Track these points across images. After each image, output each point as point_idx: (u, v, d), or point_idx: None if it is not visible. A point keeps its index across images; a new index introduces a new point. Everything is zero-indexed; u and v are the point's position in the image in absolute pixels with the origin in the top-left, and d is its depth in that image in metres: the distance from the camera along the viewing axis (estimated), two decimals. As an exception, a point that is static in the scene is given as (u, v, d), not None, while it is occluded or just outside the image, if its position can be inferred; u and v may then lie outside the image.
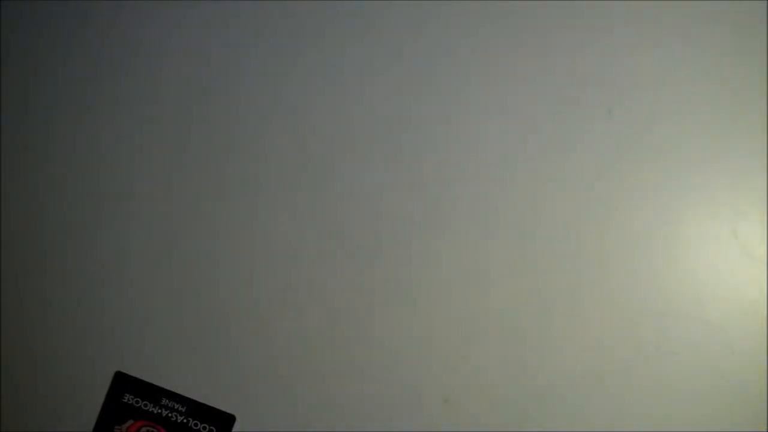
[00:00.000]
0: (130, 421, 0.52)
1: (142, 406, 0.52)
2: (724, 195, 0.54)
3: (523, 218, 0.54)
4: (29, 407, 0.53)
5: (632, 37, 0.55)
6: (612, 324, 0.53)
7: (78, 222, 0.55)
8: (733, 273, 0.53)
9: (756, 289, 0.53)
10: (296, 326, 0.54)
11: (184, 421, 0.52)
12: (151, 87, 0.56)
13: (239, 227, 0.54)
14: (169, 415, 0.52)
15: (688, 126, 0.55)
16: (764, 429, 0.52)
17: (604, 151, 0.54)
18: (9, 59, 0.56)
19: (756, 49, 0.55)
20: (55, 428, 0.53)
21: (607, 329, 0.53)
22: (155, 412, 0.52)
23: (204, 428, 0.53)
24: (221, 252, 0.54)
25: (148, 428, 0.52)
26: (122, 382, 0.53)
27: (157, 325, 0.54)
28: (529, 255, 0.53)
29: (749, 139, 0.54)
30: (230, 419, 0.53)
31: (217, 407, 0.53)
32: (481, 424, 0.53)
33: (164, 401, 0.53)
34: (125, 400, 0.52)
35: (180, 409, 0.53)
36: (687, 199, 0.54)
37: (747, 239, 0.53)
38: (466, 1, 0.55)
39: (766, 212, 0.54)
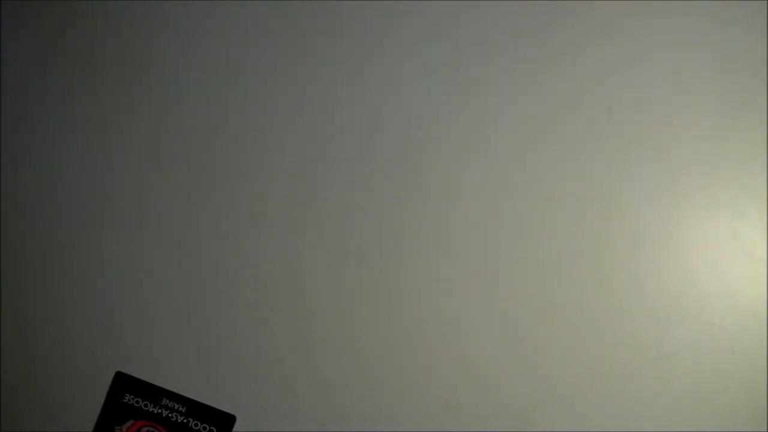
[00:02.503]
0: (131, 421, 0.52)
1: (143, 406, 0.52)
2: (724, 195, 0.54)
3: (523, 219, 0.54)
4: (29, 407, 0.53)
5: (632, 38, 0.55)
6: (613, 324, 0.53)
7: (79, 222, 0.55)
8: (733, 273, 0.53)
9: (756, 289, 0.53)
10: (297, 327, 0.54)
11: (185, 421, 0.52)
12: (152, 87, 0.56)
13: (240, 228, 0.54)
14: (170, 415, 0.52)
15: (688, 126, 0.55)
16: (764, 429, 0.52)
17: (604, 151, 0.54)
18: (9, 59, 0.56)
19: (756, 50, 0.55)
20: (55, 428, 0.53)
21: (607, 329, 0.53)
22: (155, 412, 0.52)
23: (204, 428, 0.52)
24: (222, 253, 0.54)
25: (149, 428, 0.52)
26: (122, 382, 0.53)
27: (158, 325, 0.54)
28: (529, 256, 0.53)
29: (749, 139, 0.55)
30: (230, 419, 0.53)
31: (217, 407, 0.53)
32: (481, 425, 0.53)
33: (164, 401, 0.52)
34: (125, 400, 0.52)
35: (180, 409, 0.52)
36: (687, 200, 0.54)
37: (747, 239, 0.54)
38: (468, 2, 0.55)
39: (766, 212, 0.54)
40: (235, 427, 0.53)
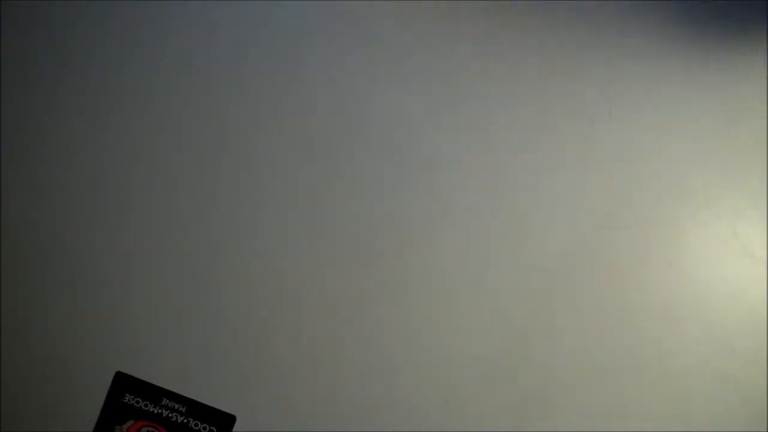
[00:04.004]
0: (131, 421, 0.52)
1: (143, 406, 0.52)
2: (725, 196, 0.54)
3: (523, 218, 0.54)
4: (29, 407, 0.53)
5: (633, 38, 0.55)
6: (612, 324, 0.53)
7: (78, 222, 0.55)
8: (733, 273, 0.53)
9: (756, 289, 0.53)
10: (296, 326, 0.54)
11: (185, 421, 0.52)
12: (150, 87, 0.56)
13: (239, 227, 0.54)
14: (170, 415, 0.52)
15: (689, 127, 0.55)
16: (764, 429, 0.52)
17: (603, 152, 0.54)
18: (9, 59, 0.56)
19: (756, 50, 0.55)
20: (55, 428, 0.53)
21: (607, 329, 0.53)
22: (155, 412, 0.52)
23: (204, 428, 0.52)
24: (221, 252, 0.54)
25: (149, 428, 0.52)
26: (122, 382, 0.53)
27: (158, 325, 0.54)
28: (529, 255, 0.53)
29: (749, 139, 0.55)
30: (230, 419, 0.53)
31: (217, 407, 0.53)
32: (481, 425, 0.53)
33: (164, 401, 0.52)
34: (125, 400, 0.52)
35: (180, 409, 0.52)
36: (687, 200, 0.54)
37: (747, 239, 0.54)
38: (468, 1, 0.55)
39: (766, 212, 0.54)
40: (235, 427, 0.53)
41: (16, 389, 0.54)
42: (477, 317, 0.53)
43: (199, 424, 0.53)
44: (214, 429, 0.53)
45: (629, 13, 0.56)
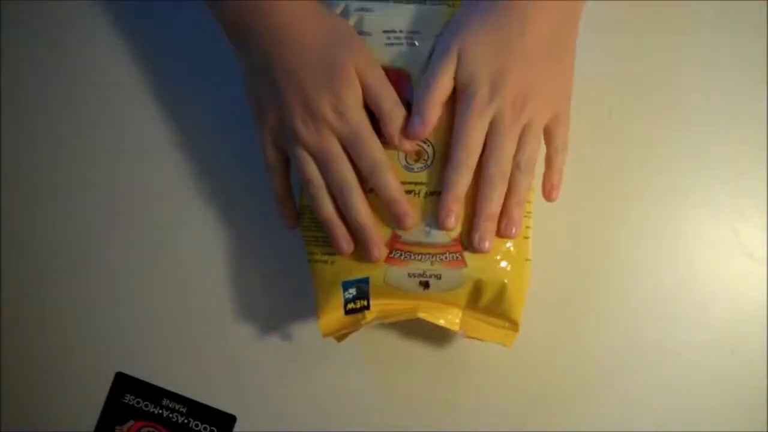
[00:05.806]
0: (131, 422, 0.52)
1: (143, 407, 0.53)
2: (724, 195, 0.54)
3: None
4: (29, 407, 0.53)
5: (632, 38, 0.56)
6: (612, 324, 0.53)
7: (79, 223, 0.55)
8: (733, 273, 0.54)
9: (756, 289, 0.53)
10: (296, 326, 0.54)
11: (185, 421, 0.52)
12: (150, 85, 0.56)
13: (240, 227, 0.54)
14: (170, 415, 0.52)
15: (688, 126, 0.55)
16: (764, 429, 0.52)
17: (603, 152, 0.54)
18: (9, 59, 0.56)
19: (756, 50, 0.55)
20: (55, 428, 0.53)
21: (607, 330, 0.53)
22: (156, 412, 0.52)
23: (204, 428, 0.53)
24: (222, 253, 0.54)
25: (149, 428, 0.52)
26: (123, 383, 0.53)
27: (158, 325, 0.54)
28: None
29: (749, 139, 0.55)
30: (230, 419, 0.53)
31: (217, 407, 0.53)
32: (481, 424, 0.53)
33: (165, 401, 0.53)
34: (126, 401, 0.53)
35: (180, 409, 0.53)
36: (687, 200, 0.54)
37: (747, 239, 0.54)
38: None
39: (766, 212, 0.54)
40: (236, 427, 0.53)
41: (17, 390, 0.54)
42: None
43: (199, 424, 0.53)
44: (214, 429, 0.53)
45: (629, 13, 0.56)
